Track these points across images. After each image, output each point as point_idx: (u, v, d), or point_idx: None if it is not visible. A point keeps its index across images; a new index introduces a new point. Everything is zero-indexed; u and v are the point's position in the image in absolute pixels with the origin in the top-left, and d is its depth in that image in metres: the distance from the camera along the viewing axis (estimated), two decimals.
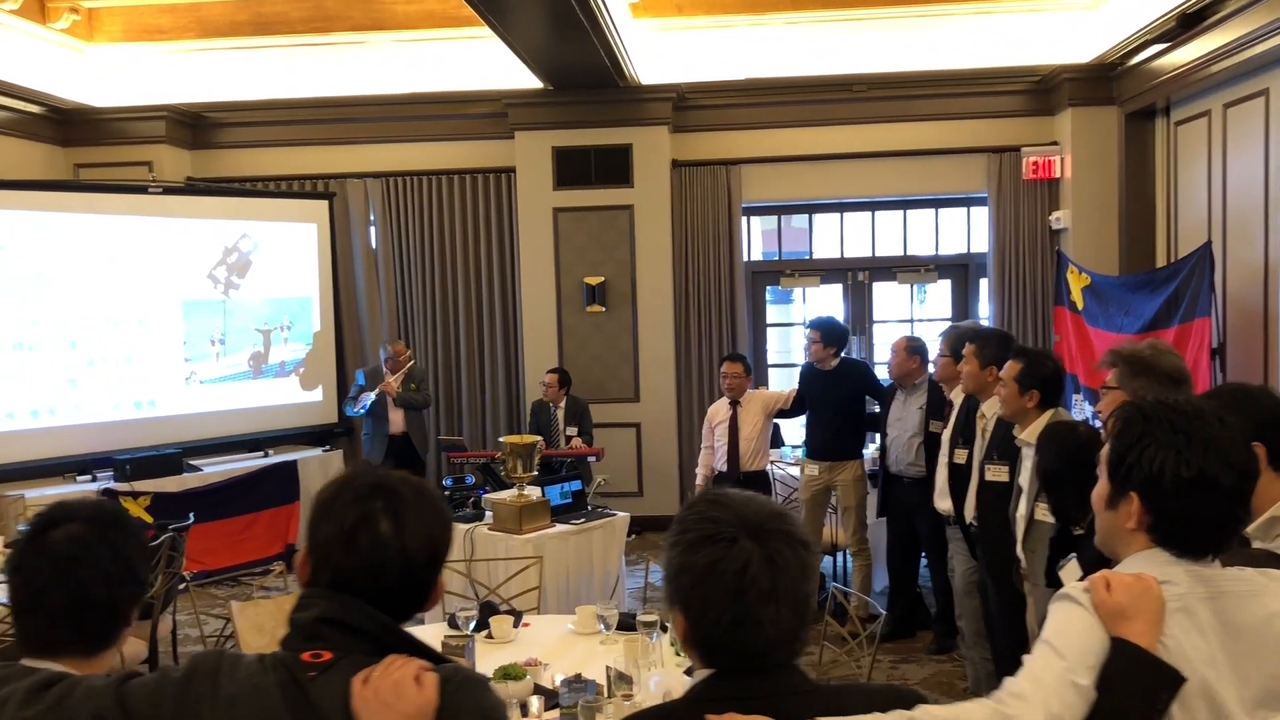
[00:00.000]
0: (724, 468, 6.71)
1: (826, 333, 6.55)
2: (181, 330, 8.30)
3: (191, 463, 8.02)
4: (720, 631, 1.46)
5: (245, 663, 1.56)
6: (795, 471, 7.14)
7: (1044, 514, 3.71)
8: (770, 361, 9.57)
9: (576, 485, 6.34)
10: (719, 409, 6.85)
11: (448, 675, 1.54)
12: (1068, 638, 1.65)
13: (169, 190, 8.39)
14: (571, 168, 8.84)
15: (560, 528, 5.84)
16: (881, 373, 6.92)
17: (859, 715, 1.51)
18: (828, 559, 7.08)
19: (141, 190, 8.19)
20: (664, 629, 3.80)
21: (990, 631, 4.72)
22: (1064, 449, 3.40)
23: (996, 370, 4.44)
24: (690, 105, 8.89)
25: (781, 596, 1.46)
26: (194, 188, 8.89)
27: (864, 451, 6.70)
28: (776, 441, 8.19)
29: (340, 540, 1.56)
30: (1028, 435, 3.96)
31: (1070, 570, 3.14)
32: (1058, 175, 8.57)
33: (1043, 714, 1.56)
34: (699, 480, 7.02)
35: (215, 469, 8.08)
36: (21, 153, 8.45)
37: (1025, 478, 3.98)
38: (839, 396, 6.48)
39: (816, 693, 1.52)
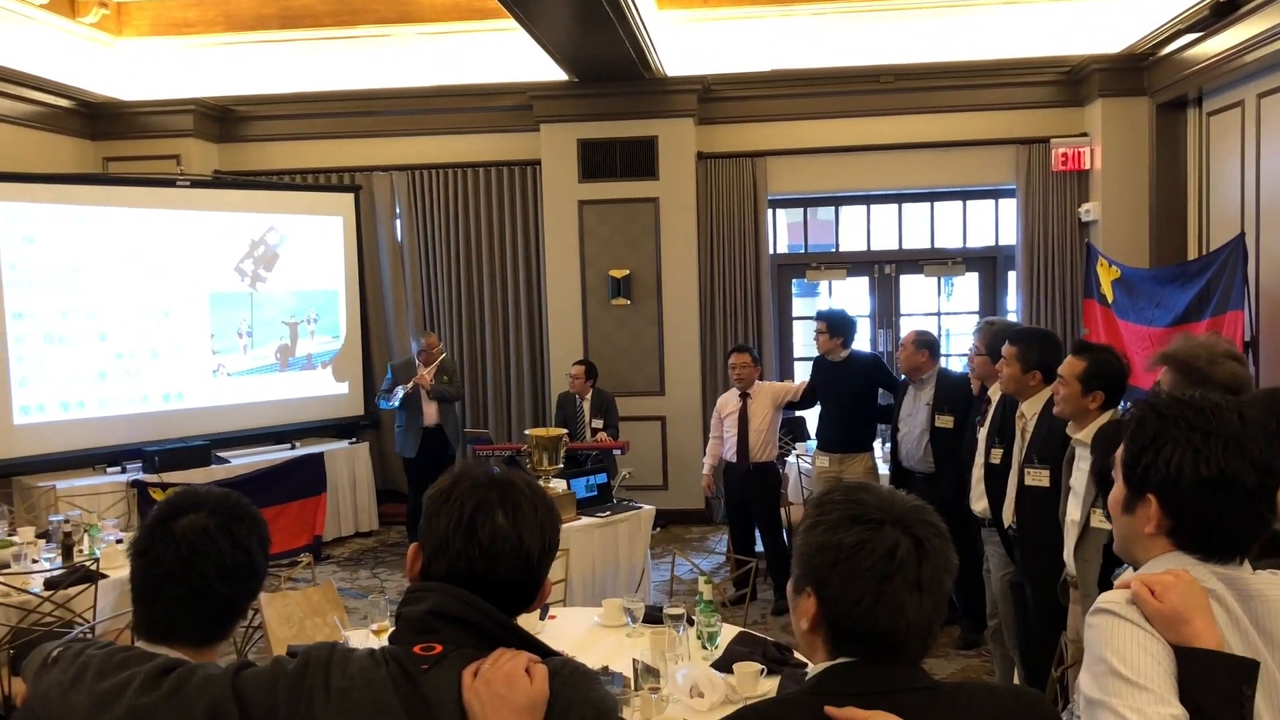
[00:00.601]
0: (733, 459, 6.72)
1: (833, 324, 6.54)
2: (209, 323, 8.35)
3: (219, 455, 8.08)
4: (860, 613, 1.43)
5: (357, 656, 1.57)
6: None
7: (1101, 520, 3.53)
8: (796, 355, 9.52)
9: (602, 478, 6.34)
10: (728, 400, 6.86)
11: (557, 668, 1.54)
12: (1140, 665, 1.53)
13: (197, 183, 8.44)
14: (597, 160, 8.83)
15: (586, 520, 5.84)
16: None
17: (981, 713, 1.46)
18: None
19: (169, 184, 8.24)
20: (690, 622, 3.79)
21: (1024, 632, 4.63)
22: None
23: (1040, 375, 4.31)
24: (716, 97, 8.85)
25: (925, 585, 1.43)
26: (221, 181, 8.94)
27: (875, 444, 6.69)
28: (800, 435, 8.18)
29: (459, 528, 1.57)
30: (1084, 435, 3.75)
31: (1125, 578, 3.03)
32: (1087, 167, 8.49)
33: None
34: (706, 470, 7.03)
35: (242, 461, 8.14)
36: (52, 146, 8.52)
37: (1079, 480, 3.78)
38: (849, 389, 6.47)
39: (937, 690, 1.47)
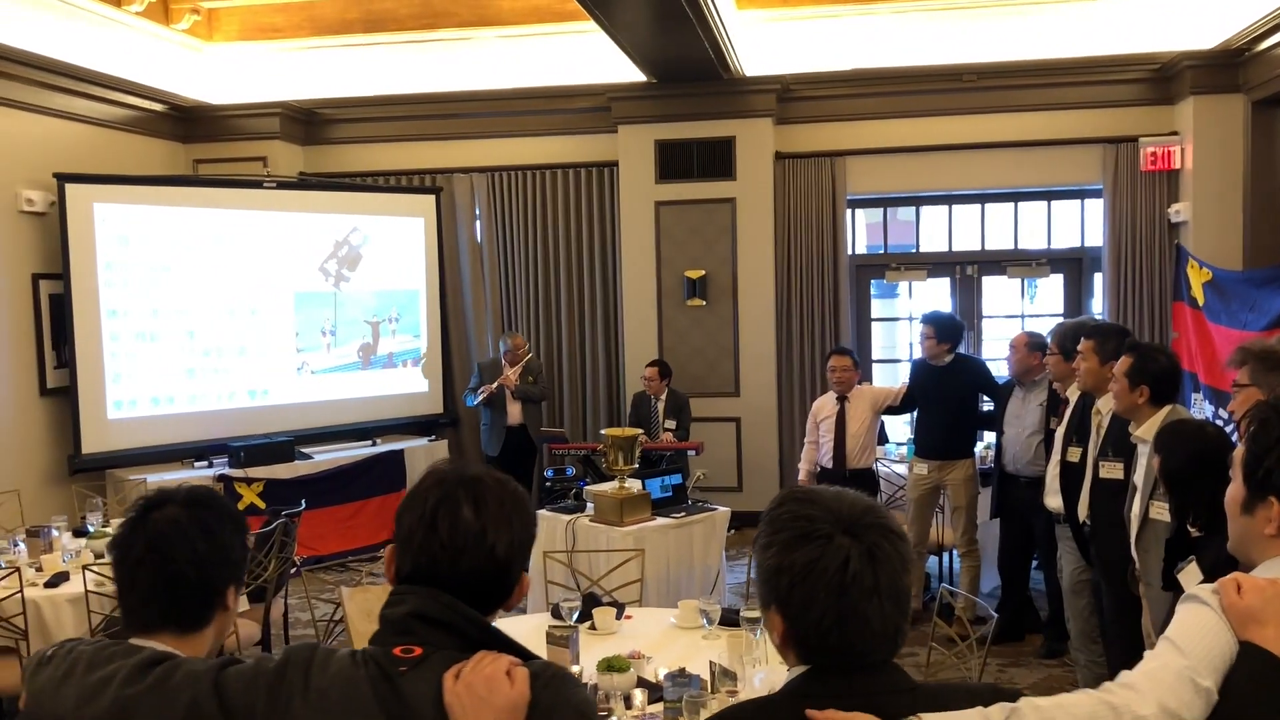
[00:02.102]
0: (829, 464, 6.58)
1: (941, 328, 6.37)
2: (293, 321, 8.53)
3: (302, 451, 8.24)
4: (823, 630, 1.43)
5: (337, 657, 1.59)
6: (900, 469, 7.02)
7: (1159, 512, 3.59)
8: (875, 357, 9.42)
9: (677, 479, 6.34)
10: (825, 404, 6.72)
11: (538, 670, 1.54)
12: (1192, 636, 1.57)
13: (283, 185, 8.63)
14: (674, 161, 8.83)
15: (661, 521, 5.84)
16: (994, 369, 6.74)
17: (961, 710, 1.48)
18: (933, 559, 6.94)
19: (257, 185, 8.44)
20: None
21: (1103, 633, 4.61)
22: (1193, 450, 3.23)
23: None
24: (794, 97, 8.79)
25: (884, 590, 1.43)
26: (306, 182, 9.12)
27: (974, 450, 6.55)
28: (881, 439, 8.07)
29: (421, 524, 1.58)
30: (1143, 432, 3.86)
31: (1190, 574, 3.01)
32: (1177, 166, 8.25)
33: (1154, 706, 1.49)
34: (802, 476, 6.90)
35: (325, 457, 8.30)
36: (145, 149, 8.77)
37: (1140, 475, 3.86)
38: (952, 393, 6.31)
39: (917, 691, 1.49)
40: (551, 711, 1.50)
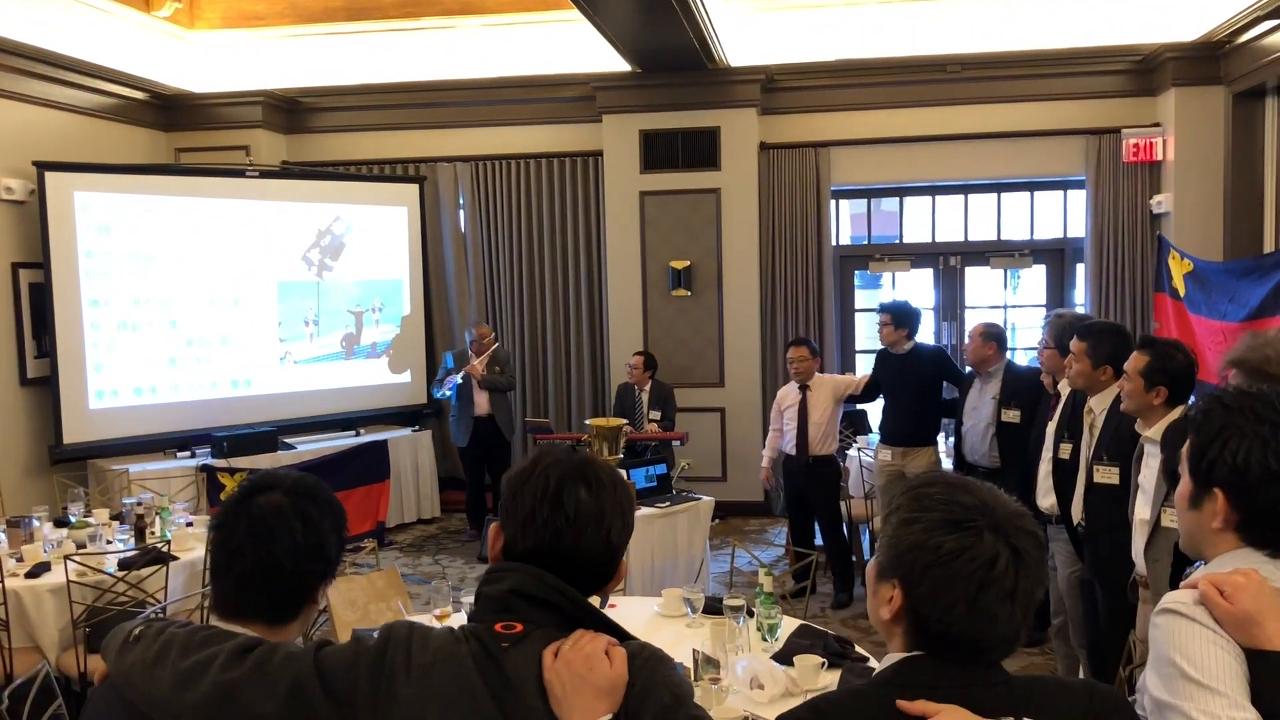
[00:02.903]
0: (792, 451, 6.68)
1: (897, 315, 6.48)
2: (276, 311, 8.50)
3: (286, 441, 8.22)
4: (951, 619, 1.41)
5: (437, 634, 1.59)
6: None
7: (1171, 519, 3.44)
8: (858, 347, 9.45)
9: (661, 469, 6.36)
10: (787, 393, 6.83)
11: (635, 651, 1.56)
12: (1211, 668, 1.50)
13: (265, 174, 8.59)
14: (659, 151, 8.82)
15: (645, 510, 5.85)
16: None
17: (1056, 710, 1.44)
18: None
19: (239, 174, 8.40)
20: (750, 614, 3.78)
21: (1092, 631, 4.54)
22: None
23: (1111, 369, 4.18)
24: (779, 87, 8.80)
25: (1020, 595, 1.41)
26: (289, 171, 9.08)
27: (939, 438, 6.61)
28: (862, 428, 8.12)
29: (544, 501, 1.59)
30: (1153, 433, 3.67)
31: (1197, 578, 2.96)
32: (1159, 158, 8.30)
33: None
34: (765, 463, 7.06)
35: (308, 447, 8.28)
36: (126, 138, 8.72)
37: (1148, 478, 3.69)
38: (913, 381, 6.41)
39: (1011, 684, 1.46)
40: (647, 692, 1.51)
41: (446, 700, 1.51)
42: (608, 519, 1.61)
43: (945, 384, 6.57)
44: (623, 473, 5.71)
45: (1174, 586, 3.06)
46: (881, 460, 6.52)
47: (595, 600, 1.64)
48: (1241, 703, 1.47)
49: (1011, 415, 5.67)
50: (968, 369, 6.20)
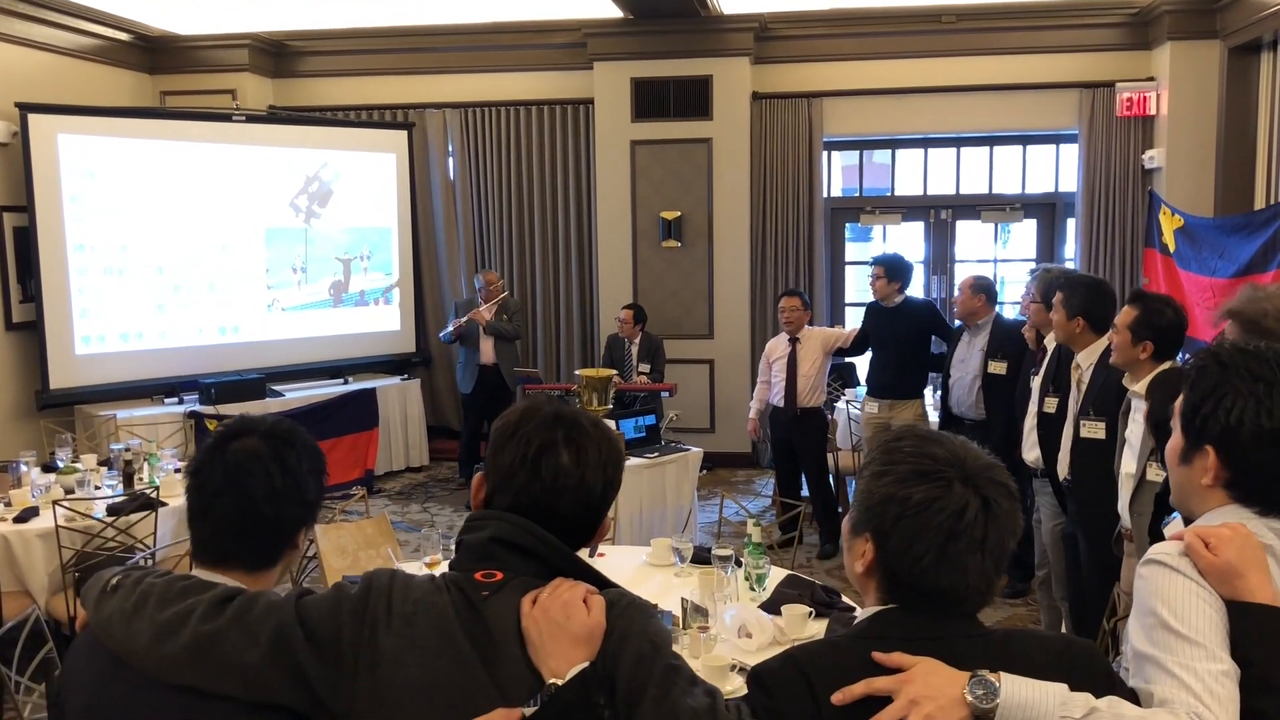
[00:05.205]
0: (780, 403, 6.71)
1: (890, 268, 6.49)
2: (264, 258, 8.44)
3: (274, 388, 8.20)
4: (920, 570, 1.43)
5: (418, 582, 1.59)
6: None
7: (1156, 474, 3.47)
8: (848, 300, 9.44)
9: (650, 420, 6.38)
10: (777, 344, 6.84)
11: (614, 599, 1.55)
12: (1195, 620, 1.51)
13: (252, 119, 8.49)
14: (650, 99, 8.74)
15: (634, 461, 5.87)
16: None
17: (1032, 662, 1.44)
18: None
19: (226, 118, 8.29)
20: (738, 564, 3.81)
21: (1075, 583, 4.59)
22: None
23: (1085, 321, 4.26)
24: (772, 36, 8.71)
25: (990, 546, 1.42)
26: (276, 116, 8.97)
27: (925, 391, 6.64)
28: (850, 381, 8.14)
29: (524, 465, 1.58)
30: (1140, 388, 3.68)
31: (1175, 528, 2.99)
32: (1153, 112, 8.26)
33: None
34: (752, 414, 7.11)
35: (297, 395, 8.26)
36: (111, 80, 8.59)
37: (1134, 433, 3.72)
38: (902, 334, 6.44)
39: (988, 637, 1.47)
40: (625, 640, 1.50)
41: (428, 649, 1.51)
42: (589, 483, 1.59)
43: (934, 338, 6.58)
44: (610, 424, 5.72)
45: (1153, 530, 3.10)
46: (868, 413, 6.54)
47: (584, 552, 1.64)
48: (1219, 654, 1.48)
49: (998, 367, 5.69)
50: (956, 323, 6.21)
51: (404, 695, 1.50)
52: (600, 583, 1.59)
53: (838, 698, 1.41)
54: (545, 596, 1.52)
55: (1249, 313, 3.08)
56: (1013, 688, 1.38)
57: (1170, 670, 1.48)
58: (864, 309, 6.85)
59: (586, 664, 1.46)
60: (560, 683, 1.44)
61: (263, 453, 1.71)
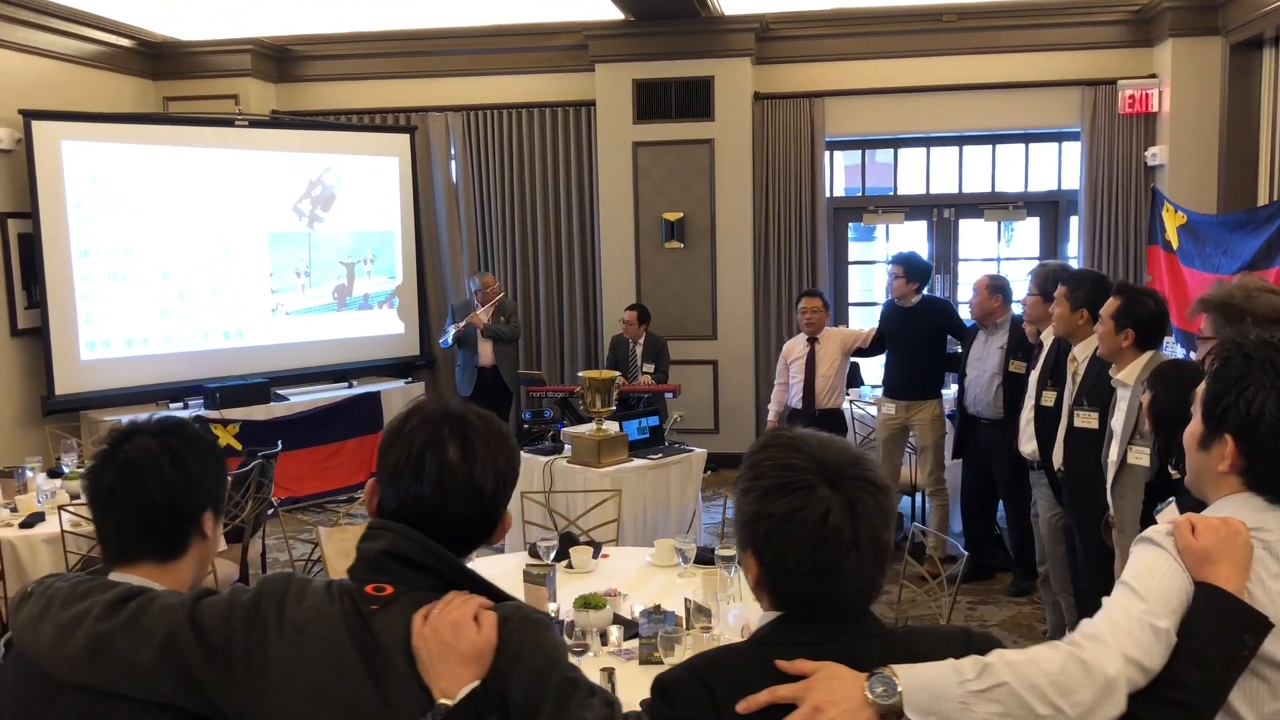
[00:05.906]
0: (799, 405, 6.66)
1: (909, 268, 6.42)
2: (267, 262, 8.46)
3: (278, 392, 8.22)
4: (798, 580, 1.43)
5: (312, 589, 1.58)
6: (874, 411, 7.08)
7: (1137, 457, 3.57)
8: (851, 300, 9.44)
9: (654, 421, 6.37)
10: (795, 345, 6.79)
11: (508, 614, 1.53)
12: (1149, 580, 1.58)
13: (255, 123, 8.51)
14: (652, 101, 8.75)
15: (638, 462, 5.88)
16: (965, 312, 6.77)
17: (934, 659, 1.47)
18: (906, 499, 7.03)
19: (228, 123, 8.31)
20: (741, 564, 3.81)
21: (1074, 577, 4.63)
22: (1185, 390, 3.19)
23: (1089, 314, 4.29)
24: (773, 36, 8.71)
25: (863, 545, 1.42)
26: (278, 121, 9.00)
27: (943, 391, 6.60)
28: (855, 381, 8.12)
29: (408, 465, 1.56)
30: (1124, 376, 3.81)
31: (1169, 514, 3.02)
32: (1155, 109, 8.25)
33: (1119, 658, 1.49)
34: (771, 417, 6.99)
35: (301, 399, 8.28)
36: (114, 86, 8.62)
37: (1118, 420, 3.82)
38: (919, 334, 6.38)
39: (889, 637, 1.49)
40: (519, 656, 1.48)
41: (317, 659, 1.50)
42: (477, 479, 1.56)
43: (948, 337, 6.55)
44: (614, 425, 5.71)
45: (1145, 517, 3.14)
46: (885, 414, 6.47)
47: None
48: (1161, 614, 1.54)
49: (1019, 366, 5.67)
50: (969, 321, 6.20)
51: (292, 702, 1.50)
52: (496, 596, 1.57)
53: (742, 707, 1.41)
54: (436, 613, 1.49)
55: (1217, 299, 3.18)
56: (909, 675, 1.42)
57: (1108, 609, 1.57)
58: (880, 308, 6.79)
59: (477, 683, 1.45)
60: (450, 704, 1.43)
61: (152, 448, 1.72)
